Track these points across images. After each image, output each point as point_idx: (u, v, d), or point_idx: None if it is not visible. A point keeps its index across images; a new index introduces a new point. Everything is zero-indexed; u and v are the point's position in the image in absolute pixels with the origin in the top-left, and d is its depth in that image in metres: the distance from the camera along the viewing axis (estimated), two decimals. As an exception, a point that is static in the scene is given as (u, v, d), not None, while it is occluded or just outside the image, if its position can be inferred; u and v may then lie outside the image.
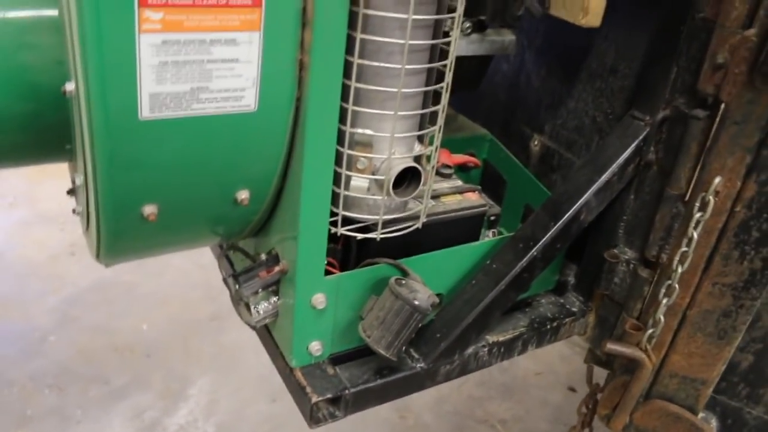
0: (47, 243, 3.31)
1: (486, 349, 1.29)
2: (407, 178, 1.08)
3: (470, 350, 1.27)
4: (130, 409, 2.48)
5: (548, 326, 1.38)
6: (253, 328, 1.22)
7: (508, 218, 1.55)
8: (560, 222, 1.24)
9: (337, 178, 1.03)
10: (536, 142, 1.57)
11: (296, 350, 1.16)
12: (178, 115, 0.90)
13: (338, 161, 1.02)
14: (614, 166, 1.24)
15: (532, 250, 1.23)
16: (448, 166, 1.42)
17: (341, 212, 1.06)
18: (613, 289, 1.33)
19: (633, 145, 1.23)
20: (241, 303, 1.18)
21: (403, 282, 1.14)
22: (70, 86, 0.93)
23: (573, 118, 1.46)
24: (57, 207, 3.52)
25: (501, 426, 2.65)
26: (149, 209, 0.95)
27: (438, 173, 1.39)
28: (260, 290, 1.16)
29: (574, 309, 1.42)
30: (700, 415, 1.30)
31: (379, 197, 1.06)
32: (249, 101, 0.94)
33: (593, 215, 1.26)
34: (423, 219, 1.15)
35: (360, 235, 1.09)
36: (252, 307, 1.17)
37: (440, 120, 1.09)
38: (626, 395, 1.28)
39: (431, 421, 2.63)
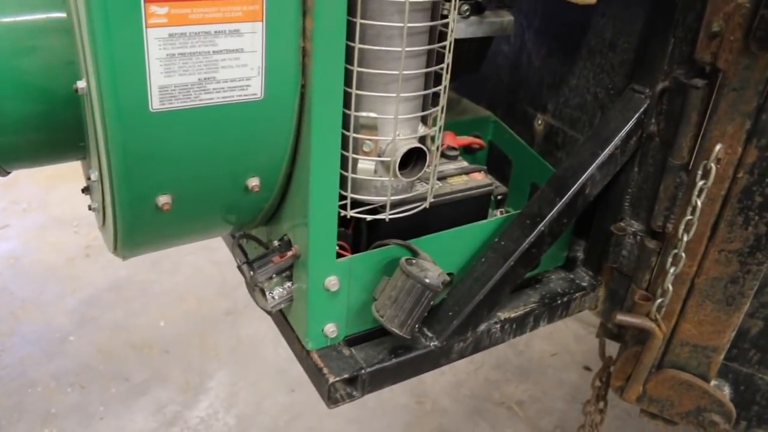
0: (63, 246, 3.36)
1: (498, 326, 1.32)
2: (413, 159, 1.10)
3: (483, 327, 1.29)
4: (152, 403, 2.53)
5: (559, 301, 1.40)
6: (269, 313, 1.24)
7: (515, 198, 1.57)
8: (566, 197, 1.25)
9: (344, 162, 1.06)
10: (540, 122, 1.58)
11: (312, 333, 1.18)
12: (187, 105, 0.92)
13: (344, 145, 1.04)
14: (617, 140, 1.25)
15: (539, 226, 1.25)
16: (454, 148, 1.44)
17: (350, 195, 1.08)
18: (621, 261, 1.35)
19: (634, 118, 1.24)
20: (256, 289, 1.21)
21: (414, 261, 1.16)
22: (81, 84, 0.96)
23: (575, 96, 1.47)
24: (70, 211, 3.57)
25: (518, 407, 2.67)
26: (164, 199, 0.98)
27: (444, 155, 1.41)
28: (274, 276, 1.19)
29: (584, 283, 1.44)
30: (713, 382, 1.32)
31: (386, 179, 1.08)
32: (255, 90, 0.96)
33: (598, 189, 1.28)
34: (430, 199, 1.17)
35: (369, 217, 1.12)
36: (267, 293, 1.20)
37: (442, 100, 1.11)
38: (638, 366, 1.30)
39: (449, 406, 2.66)
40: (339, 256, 1.16)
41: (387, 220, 1.11)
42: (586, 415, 1.58)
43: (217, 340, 2.86)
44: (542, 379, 2.82)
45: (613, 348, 1.46)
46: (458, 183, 1.34)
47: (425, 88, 1.10)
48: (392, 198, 1.11)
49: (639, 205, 1.31)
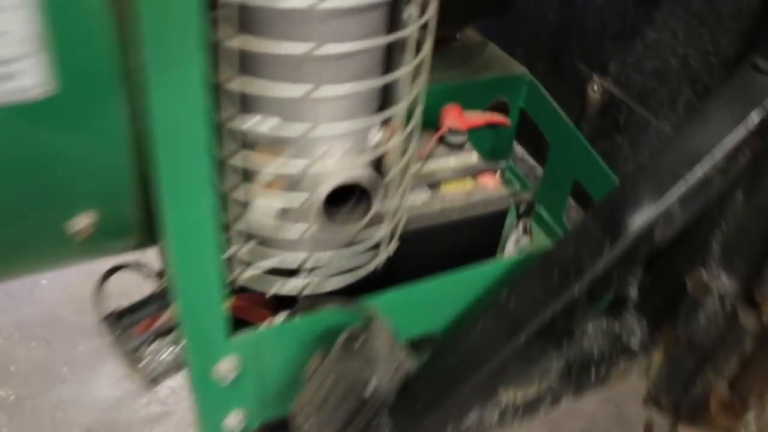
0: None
1: (496, 413, 0.89)
2: (356, 192, 0.65)
3: (472, 418, 0.87)
4: (120, 368, 2.24)
5: (593, 370, 0.96)
6: (151, 383, 0.84)
7: (551, 195, 1.12)
8: (620, 241, 0.79)
9: (226, 199, 0.61)
10: (596, 87, 1.13)
11: (207, 429, 0.79)
12: None
13: (223, 172, 0.59)
14: (718, 152, 0.77)
15: (574, 285, 0.79)
16: (458, 132, 0.98)
17: (238, 255, 0.64)
18: (694, 329, 0.90)
19: (753, 116, 0.76)
20: (126, 356, 0.81)
21: (359, 341, 0.73)
22: None
23: (653, 57, 1.00)
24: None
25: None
26: None
27: (444, 142, 0.96)
28: (149, 342, 0.78)
29: (634, 340, 1.00)
30: None
31: (303, 226, 0.63)
32: (32, 78, 0.51)
33: (674, 230, 0.80)
34: (382, 258, 0.71)
35: (271, 292, 0.67)
36: (144, 360, 0.80)
37: (421, 80, 0.64)
38: (705, 488, 0.87)
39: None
40: (253, 314, 0.74)
41: (300, 295, 0.67)
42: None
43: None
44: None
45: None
46: (457, 194, 0.90)
47: (388, 61, 0.62)
48: (316, 255, 0.66)
49: (736, 252, 0.84)
